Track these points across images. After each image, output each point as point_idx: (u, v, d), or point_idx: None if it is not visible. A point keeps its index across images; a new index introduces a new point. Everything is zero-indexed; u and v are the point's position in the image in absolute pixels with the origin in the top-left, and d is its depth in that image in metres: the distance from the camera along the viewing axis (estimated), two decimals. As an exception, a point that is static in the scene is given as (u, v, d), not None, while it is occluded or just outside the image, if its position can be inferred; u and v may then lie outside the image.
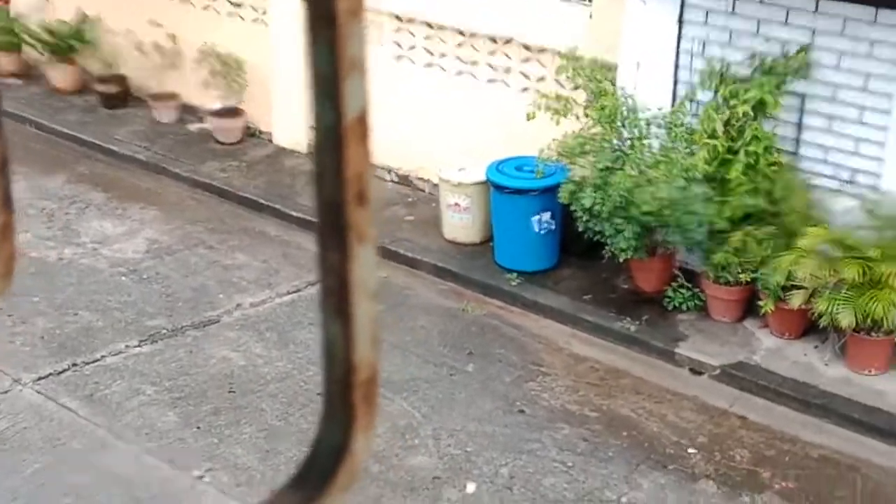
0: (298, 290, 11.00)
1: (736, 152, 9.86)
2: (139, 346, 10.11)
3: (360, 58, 0.79)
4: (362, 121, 0.81)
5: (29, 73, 15.56)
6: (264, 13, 13.66)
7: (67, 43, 14.90)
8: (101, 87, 14.86)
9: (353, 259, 0.82)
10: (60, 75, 15.13)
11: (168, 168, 13.29)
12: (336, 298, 0.84)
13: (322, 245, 0.83)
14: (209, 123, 13.99)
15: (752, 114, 9.81)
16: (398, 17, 12.47)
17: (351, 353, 0.86)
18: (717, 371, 9.67)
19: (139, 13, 14.62)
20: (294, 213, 12.17)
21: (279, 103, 13.60)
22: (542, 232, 10.93)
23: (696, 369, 9.77)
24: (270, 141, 13.84)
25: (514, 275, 10.92)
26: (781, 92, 9.88)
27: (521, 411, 9.30)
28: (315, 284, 10.87)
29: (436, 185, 12.04)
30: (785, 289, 9.56)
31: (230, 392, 9.47)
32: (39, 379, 9.57)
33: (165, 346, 10.12)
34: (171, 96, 14.40)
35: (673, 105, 10.44)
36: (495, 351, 10.12)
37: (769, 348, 9.91)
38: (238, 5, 13.96)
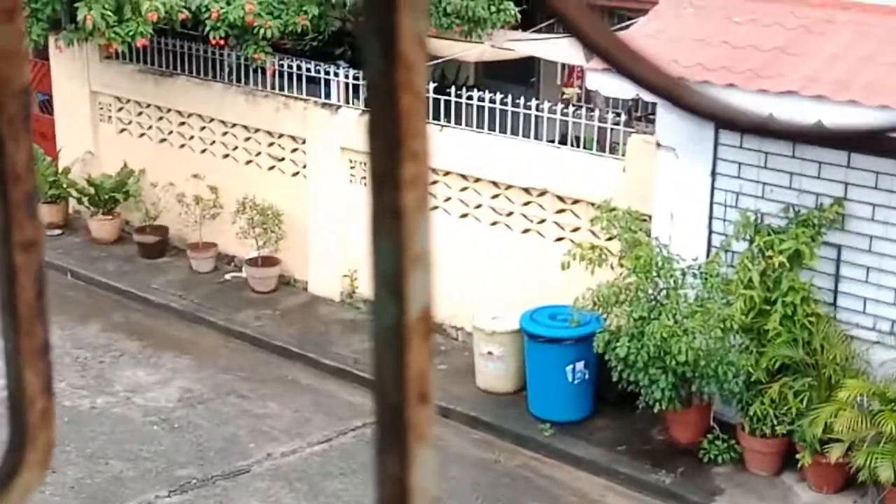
0: (329, 440, 10.88)
1: (773, 303, 9.78)
2: (168, 496, 10.00)
3: (426, 253, 0.76)
4: (426, 318, 0.77)
5: (70, 224, 15.76)
6: (304, 167, 13.85)
7: (110, 196, 15.12)
8: (140, 238, 15.03)
9: (412, 463, 0.78)
10: (101, 226, 15.31)
11: (203, 317, 13.33)
12: None
13: (380, 448, 0.78)
14: (245, 272, 14.07)
15: (788, 264, 9.75)
16: (434, 170, 12.58)
17: None
18: (756, 526, 9.43)
19: (183, 167, 14.86)
20: (327, 362, 12.12)
21: (315, 253, 13.69)
22: (577, 381, 10.81)
23: (735, 524, 9.54)
24: (305, 289, 13.89)
25: (548, 425, 10.76)
26: (817, 243, 9.84)
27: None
28: (346, 434, 10.85)
29: (469, 334, 11.98)
30: (823, 442, 9.35)
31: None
32: (67, 530, 9.49)
33: (195, 496, 10.00)
34: (209, 246, 14.51)
35: (707, 255, 10.41)
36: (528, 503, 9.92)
37: (807, 503, 9.66)
38: (280, 159, 14.17)
